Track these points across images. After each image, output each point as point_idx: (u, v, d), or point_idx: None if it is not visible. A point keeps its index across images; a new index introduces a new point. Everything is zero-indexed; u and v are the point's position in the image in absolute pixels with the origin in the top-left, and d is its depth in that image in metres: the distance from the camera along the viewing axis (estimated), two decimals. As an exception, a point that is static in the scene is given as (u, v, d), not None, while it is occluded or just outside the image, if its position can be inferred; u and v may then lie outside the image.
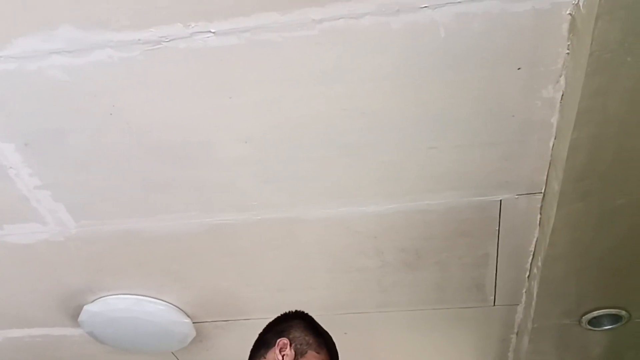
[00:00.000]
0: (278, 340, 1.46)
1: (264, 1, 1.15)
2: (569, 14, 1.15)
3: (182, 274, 1.94)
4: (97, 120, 1.40)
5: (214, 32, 1.20)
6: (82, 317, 2.09)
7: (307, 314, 1.55)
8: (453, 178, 1.57)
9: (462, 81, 1.30)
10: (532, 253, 1.83)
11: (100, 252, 1.84)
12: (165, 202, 1.64)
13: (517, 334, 2.30)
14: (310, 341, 1.48)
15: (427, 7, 1.15)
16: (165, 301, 2.08)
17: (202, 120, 1.40)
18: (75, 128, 1.42)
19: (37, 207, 1.66)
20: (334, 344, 1.53)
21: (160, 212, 1.68)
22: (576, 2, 1.12)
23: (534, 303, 1.89)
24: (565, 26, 1.18)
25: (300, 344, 1.46)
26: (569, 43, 1.20)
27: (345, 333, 2.23)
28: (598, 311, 1.89)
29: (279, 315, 1.57)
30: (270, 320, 1.58)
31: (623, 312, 1.90)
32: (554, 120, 1.38)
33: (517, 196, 1.62)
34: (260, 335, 1.54)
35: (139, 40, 1.22)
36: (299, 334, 1.48)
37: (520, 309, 2.14)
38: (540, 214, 1.67)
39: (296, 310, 1.56)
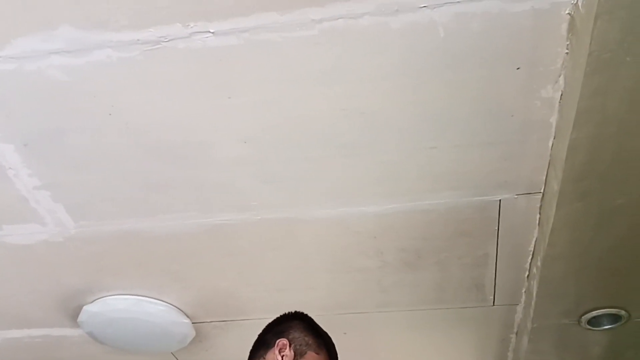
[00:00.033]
0: (277, 341, 1.46)
1: (263, 1, 1.15)
2: (568, 13, 1.15)
3: (182, 274, 1.94)
4: (97, 121, 1.40)
5: (213, 32, 1.20)
6: (82, 317, 2.08)
7: (306, 314, 1.55)
8: (452, 178, 1.57)
9: (461, 81, 1.30)
10: (531, 253, 1.83)
11: (100, 253, 1.84)
12: (164, 203, 1.64)
13: (516, 333, 2.30)
14: (310, 342, 1.48)
15: (426, 7, 1.15)
16: (164, 301, 2.08)
17: (201, 121, 1.40)
18: (75, 128, 1.42)
19: (36, 208, 1.66)
20: (333, 345, 1.53)
21: (160, 213, 1.68)
22: (575, 2, 1.12)
23: (533, 303, 1.89)
24: (565, 26, 1.18)
25: (300, 345, 1.46)
26: (568, 43, 1.21)
27: (345, 333, 2.23)
28: (597, 311, 1.89)
29: (279, 316, 1.57)
30: (270, 320, 1.58)
31: (622, 312, 1.90)
32: (553, 120, 1.38)
33: (516, 196, 1.62)
34: (260, 335, 1.54)
35: (138, 40, 1.22)
36: (298, 334, 1.48)
37: (519, 308, 2.14)
38: (540, 213, 1.67)
39: (295, 311, 1.56)
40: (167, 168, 1.53)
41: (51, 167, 1.53)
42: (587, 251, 1.62)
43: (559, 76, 1.28)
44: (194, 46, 1.23)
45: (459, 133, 1.43)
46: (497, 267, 1.91)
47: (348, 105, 1.36)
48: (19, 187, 1.59)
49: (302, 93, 1.33)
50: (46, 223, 1.72)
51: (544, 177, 1.55)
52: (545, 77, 1.28)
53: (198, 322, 2.19)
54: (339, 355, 1.54)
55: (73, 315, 2.12)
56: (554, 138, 1.42)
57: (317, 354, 1.47)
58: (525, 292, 2.03)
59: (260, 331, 1.56)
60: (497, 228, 1.74)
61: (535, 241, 1.77)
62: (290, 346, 1.45)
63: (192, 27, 1.19)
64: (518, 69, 1.27)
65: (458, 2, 1.14)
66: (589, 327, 1.96)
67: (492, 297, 2.08)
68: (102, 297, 2.05)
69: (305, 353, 1.46)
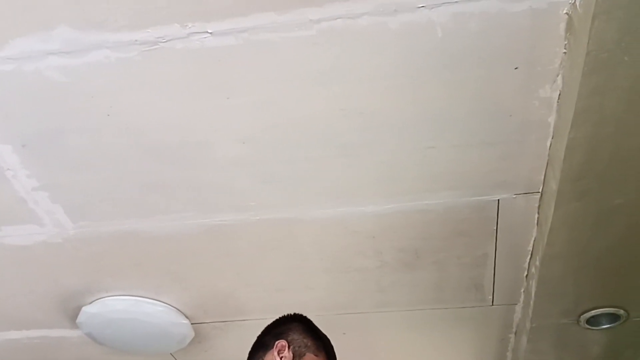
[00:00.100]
0: (276, 343, 1.46)
1: (261, 1, 1.15)
2: (566, 13, 1.15)
3: (181, 274, 1.94)
4: (95, 121, 1.40)
5: (211, 33, 1.20)
6: (81, 318, 2.08)
7: (305, 316, 1.56)
8: (451, 178, 1.57)
9: (459, 81, 1.30)
10: (530, 252, 1.84)
11: (98, 253, 1.84)
12: (163, 203, 1.64)
13: (515, 333, 2.30)
14: (309, 344, 1.48)
15: (424, 7, 1.15)
16: (163, 302, 2.08)
17: (199, 121, 1.40)
18: (73, 129, 1.42)
19: (34, 209, 1.66)
20: (332, 347, 1.53)
21: (159, 213, 1.68)
22: (573, 2, 1.13)
23: (532, 302, 1.89)
24: (562, 26, 1.18)
25: (299, 346, 1.46)
26: (566, 42, 1.21)
27: (344, 333, 2.23)
28: (596, 310, 1.89)
29: (278, 318, 1.57)
30: (269, 321, 1.58)
31: (621, 311, 1.91)
32: (552, 119, 1.38)
33: (514, 196, 1.62)
34: (259, 337, 1.54)
35: (136, 40, 1.22)
36: (297, 336, 1.48)
37: (518, 308, 2.14)
38: (538, 213, 1.67)
39: (295, 313, 1.57)
40: (166, 168, 1.53)
41: (49, 168, 1.53)
42: (586, 251, 1.62)
43: (557, 76, 1.28)
44: (192, 46, 1.23)
45: (458, 133, 1.43)
46: (495, 267, 1.92)
47: (346, 106, 1.37)
48: (18, 188, 1.59)
49: (300, 93, 1.33)
50: (45, 224, 1.72)
51: (543, 177, 1.55)
52: (543, 77, 1.29)
53: (197, 322, 2.19)
54: (338, 356, 1.54)
55: (72, 316, 2.12)
56: (552, 138, 1.42)
57: (316, 355, 1.47)
58: (524, 291, 2.03)
59: (259, 332, 1.56)
60: (495, 228, 1.74)
61: (534, 241, 1.77)
62: (289, 348, 1.45)
63: (190, 28, 1.19)
64: (516, 68, 1.27)
65: (456, 2, 1.15)
66: (587, 326, 1.96)
67: (491, 297, 2.08)
68: (101, 297, 2.04)
69: (304, 355, 1.46)
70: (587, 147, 1.29)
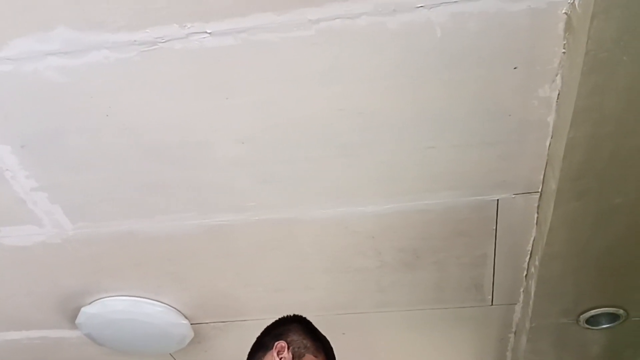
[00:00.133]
0: (276, 343, 1.46)
1: (260, 1, 1.15)
2: (565, 13, 1.16)
3: (180, 275, 1.94)
4: (94, 122, 1.40)
5: (210, 33, 1.20)
6: (80, 319, 2.08)
7: (305, 318, 1.56)
8: (451, 178, 1.57)
9: (458, 81, 1.30)
10: (529, 252, 1.84)
11: (98, 254, 1.84)
12: (162, 203, 1.64)
13: (515, 333, 2.30)
14: (308, 345, 1.48)
15: (423, 7, 1.15)
16: (163, 302, 2.08)
17: (198, 121, 1.40)
18: (72, 129, 1.42)
19: (33, 209, 1.66)
20: (331, 348, 1.53)
21: (158, 213, 1.68)
22: (572, 1, 1.13)
23: (531, 302, 1.89)
24: (561, 25, 1.18)
25: (298, 347, 1.47)
26: (565, 42, 1.21)
27: (344, 333, 2.23)
28: (596, 310, 1.89)
29: (277, 319, 1.57)
30: (269, 321, 1.58)
31: (621, 311, 1.91)
32: (551, 119, 1.38)
33: (514, 195, 1.62)
34: (258, 338, 1.55)
35: (135, 41, 1.22)
36: (297, 337, 1.48)
37: (518, 308, 2.14)
38: (538, 213, 1.67)
39: (294, 314, 1.57)
40: (165, 169, 1.53)
41: (48, 169, 1.53)
42: (585, 250, 1.62)
43: (556, 75, 1.28)
44: (191, 47, 1.23)
45: (457, 133, 1.43)
46: (495, 267, 1.92)
47: (346, 106, 1.36)
48: (17, 189, 1.59)
49: (299, 93, 1.33)
50: (44, 225, 1.71)
51: (542, 177, 1.55)
52: (543, 77, 1.29)
53: (197, 323, 2.19)
54: (338, 356, 1.54)
55: (71, 317, 2.12)
56: (552, 137, 1.42)
57: (315, 357, 1.48)
58: (523, 291, 2.03)
59: (259, 332, 1.56)
60: (495, 228, 1.74)
61: (533, 240, 1.77)
62: (288, 349, 1.45)
63: (189, 28, 1.19)
64: (515, 68, 1.27)
65: (455, 1, 1.14)
66: (587, 326, 1.96)
67: (491, 297, 2.08)
68: (100, 298, 2.04)
69: (304, 356, 1.46)
70: (586, 146, 1.29)
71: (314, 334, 1.52)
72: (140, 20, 1.18)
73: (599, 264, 1.68)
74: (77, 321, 2.10)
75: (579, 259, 1.65)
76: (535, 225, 1.72)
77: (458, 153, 1.49)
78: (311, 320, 1.57)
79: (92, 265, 1.89)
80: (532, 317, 1.95)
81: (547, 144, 1.45)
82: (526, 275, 1.94)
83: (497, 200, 1.64)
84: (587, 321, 1.94)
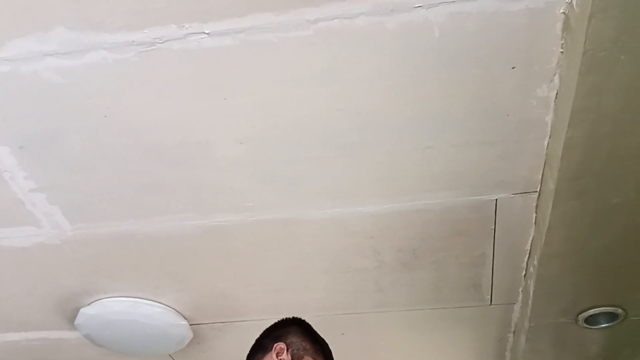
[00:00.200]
0: (275, 345, 1.46)
1: (258, 2, 1.15)
2: (563, 12, 1.16)
3: (179, 275, 1.94)
4: (92, 122, 1.40)
5: (208, 33, 1.20)
6: (79, 320, 2.08)
7: (304, 320, 1.56)
8: (449, 178, 1.57)
9: (457, 80, 1.30)
10: (528, 252, 1.84)
11: (96, 255, 1.84)
12: (161, 204, 1.64)
13: (514, 332, 2.30)
14: (307, 347, 1.49)
15: (421, 7, 1.15)
16: (162, 303, 2.08)
17: (197, 122, 1.40)
18: (70, 130, 1.42)
19: (32, 210, 1.66)
20: (330, 351, 1.53)
21: (157, 214, 1.68)
22: (570, 1, 1.13)
23: (530, 302, 1.89)
24: (559, 25, 1.18)
25: (297, 349, 1.47)
26: (562, 42, 1.21)
27: (343, 333, 2.23)
28: (594, 309, 1.89)
29: (277, 321, 1.57)
30: (268, 322, 1.58)
31: (619, 310, 1.91)
32: (549, 119, 1.38)
33: (512, 195, 1.63)
34: (257, 340, 1.55)
35: (133, 41, 1.22)
36: (296, 339, 1.49)
37: (517, 307, 2.14)
38: (536, 212, 1.67)
39: (293, 317, 1.57)
40: (164, 169, 1.53)
41: (47, 170, 1.53)
42: (584, 250, 1.62)
43: (554, 75, 1.28)
44: (189, 47, 1.23)
45: (456, 133, 1.43)
46: (494, 267, 1.92)
47: (345, 106, 1.37)
48: (15, 190, 1.58)
49: (298, 93, 1.33)
50: (42, 225, 1.71)
51: (540, 176, 1.55)
52: (541, 76, 1.29)
53: (196, 323, 2.19)
54: (337, 356, 1.54)
55: (70, 318, 2.12)
56: (550, 137, 1.42)
57: (314, 359, 1.48)
58: (522, 291, 2.03)
59: (258, 333, 1.56)
60: (493, 227, 1.74)
61: (532, 240, 1.77)
62: (287, 350, 1.46)
63: (187, 28, 1.19)
64: (513, 68, 1.27)
65: (453, 1, 1.15)
66: (586, 325, 1.96)
67: (489, 297, 2.08)
68: (99, 299, 2.04)
69: (302, 358, 1.47)
70: (584, 146, 1.29)
71: (313, 336, 1.52)
72: (138, 20, 1.18)
73: (598, 263, 1.68)
74: (76, 322, 2.10)
75: (577, 258, 1.66)
76: (533, 225, 1.72)
77: (457, 153, 1.49)
78: (311, 321, 1.57)
79: (91, 266, 1.89)
80: (530, 317, 1.95)
81: (546, 143, 1.45)
82: (525, 275, 1.95)
83: (496, 200, 1.64)
84: (586, 321, 1.94)
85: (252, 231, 1.74)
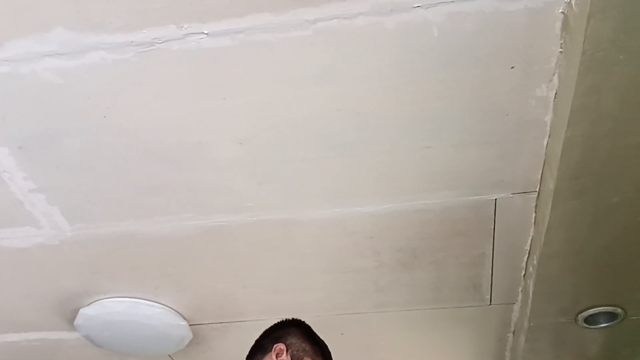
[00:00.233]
0: (275, 346, 1.47)
1: (257, 2, 1.15)
2: (562, 12, 1.16)
3: (178, 276, 1.94)
4: (91, 123, 1.40)
5: (207, 34, 1.20)
6: (79, 320, 2.08)
7: (304, 322, 1.56)
8: (448, 177, 1.57)
9: (456, 80, 1.30)
10: (527, 252, 1.84)
11: (96, 255, 1.84)
12: (160, 204, 1.64)
13: (513, 332, 2.30)
14: (307, 348, 1.49)
15: (420, 7, 1.15)
16: (161, 304, 2.07)
17: (196, 122, 1.40)
18: (69, 131, 1.42)
19: (31, 211, 1.65)
20: (329, 353, 1.53)
21: (156, 215, 1.68)
22: (569, 1, 1.13)
23: (530, 302, 1.89)
24: (558, 25, 1.18)
25: (297, 350, 1.47)
26: (562, 42, 1.21)
27: (343, 334, 2.23)
28: (594, 309, 1.89)
29: (276, 322, 1.57)
30: (267, 322, 1.58)
31: (619, 310, 1.91)
32: (548, 118, 1.39)
33: (512, 195, 1.63)
34: (257, 340, 1.55)
35: (132, 42, 1.22)
36: (295, 340, 1.49)
37: (516, 307, 2.14)
38: (535, 212, 1.67)
39: (293, 318, 1.58)
40: (163, 170, 1.53)
41: (46, 170, 1.53)
42: (583, 249, 1.62)
43: (553, 75, 1.28)
44: (188, 47, 1.23)
45: (454, 132, 1.43)
46: (493, 266, 1.92)
47: (343, 106, 1.37)
48: (14, 191, 1.58)
49: (297, 93, 1.33)
50: (42, 226, 1.71)
51: (540, 176, 1.55)
52: (540, 76, 1.29)
53: (195, 324, 2.19)
54: (336, 356, 1.54)
55: (70, 319, 2.12)
56: (549, 137, 1.43)
57: None
58: (521, 291, 2.03)
59: (258, 333, 1.56)
60: (493, 227, 1.74)
61: (531, 240, 1.78)
62: (287, 351, 1.46)
63: (186, 29, 1.19)
64: (512, 68, 1.27)
65: (452, 1, 1.15)
66: (585, 325, 1.97)
67: (489, 297, 2.08)
68: (99, 299, 2.04)
69: (302, 359, 1.47)
70: (583, 145, 1.29)
71: (312, 338, 1.53)
72: (137, 21, 1.18)
73: (597, 263, 1.68)
74: (75, 323, 2.09)
75: (577, 258, 1.66)
76: (533, 225, 1.72)
77: (456, 153, 1.49)
78: (310, 321, 1.58)
79: (91, 267, 1.89)
80: (530, 317, 1.95)
81: (545, 143, 1.45)
82: (524, 275, 1.95)
83: (495, 199, 1.64)
84: (586, 320, 1.94)
85: (251, 232, 1.74)
